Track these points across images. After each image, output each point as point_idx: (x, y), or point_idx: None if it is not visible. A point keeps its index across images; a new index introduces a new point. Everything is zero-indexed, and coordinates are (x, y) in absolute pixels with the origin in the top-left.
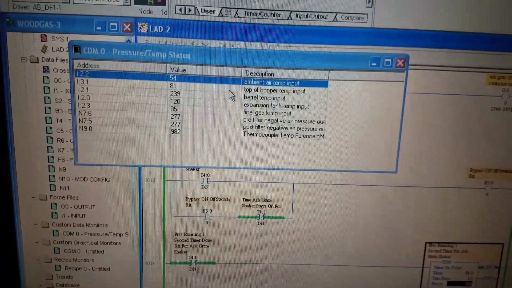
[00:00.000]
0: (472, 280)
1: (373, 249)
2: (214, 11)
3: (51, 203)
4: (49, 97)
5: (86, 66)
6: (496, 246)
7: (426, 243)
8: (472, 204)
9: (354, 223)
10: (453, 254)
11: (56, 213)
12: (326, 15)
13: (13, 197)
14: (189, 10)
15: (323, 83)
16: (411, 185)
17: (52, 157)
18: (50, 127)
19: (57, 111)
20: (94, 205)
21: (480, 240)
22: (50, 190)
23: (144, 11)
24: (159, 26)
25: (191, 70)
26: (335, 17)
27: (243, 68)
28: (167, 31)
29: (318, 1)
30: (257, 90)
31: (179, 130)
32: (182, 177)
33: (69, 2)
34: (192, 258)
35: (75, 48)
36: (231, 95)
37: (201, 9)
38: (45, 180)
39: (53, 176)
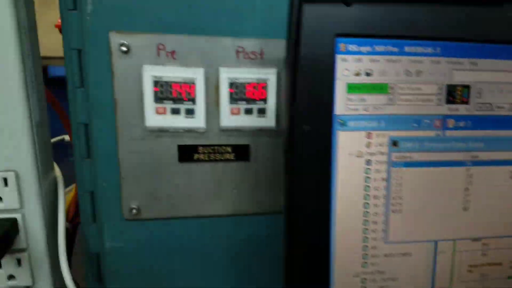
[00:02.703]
0: None
1: None
2: (504, 106)
3: (362, 279)
4: (368, 186)
5: (402, 158)
6: None
7: None
8: None
9: None
10: None
11: (365, 287)
12: None
13: (330, 275)
14: (487, 107)
15: None
16: None
17: (367, 237)
18: (367, 212)
19: (375, 198)
20: (397, 278)
21: None
22: (362, 267)
23: (452, 109)
24: (462, 122)
25: (484, 156)
26: None
27: None
28: (469, 125)
29: None
30: None
31: (468, 208)
32: (467, 248)
33: (392, 104)
34: None
35: (394, 142)
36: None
37: (495, 105)
38: (358, 258)
39: (366, 254)
